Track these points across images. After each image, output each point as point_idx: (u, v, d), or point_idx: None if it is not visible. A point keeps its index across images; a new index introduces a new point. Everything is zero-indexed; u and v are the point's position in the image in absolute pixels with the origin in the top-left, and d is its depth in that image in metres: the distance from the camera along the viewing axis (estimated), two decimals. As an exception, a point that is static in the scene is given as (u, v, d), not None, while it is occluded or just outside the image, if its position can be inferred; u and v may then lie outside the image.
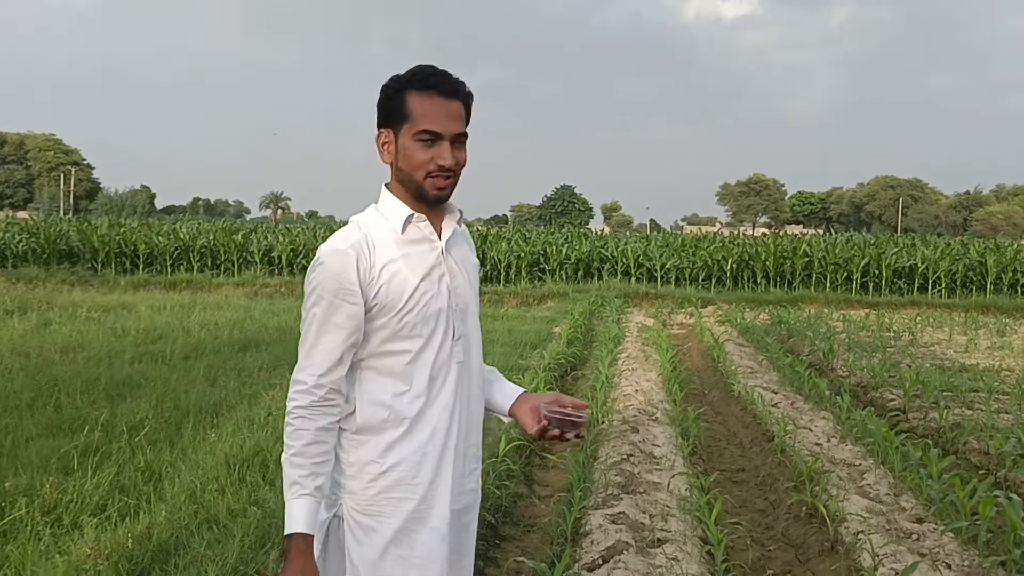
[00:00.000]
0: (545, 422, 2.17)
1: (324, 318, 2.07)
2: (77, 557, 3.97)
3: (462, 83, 2.12)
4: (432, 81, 2.06)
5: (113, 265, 26.57)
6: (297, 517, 2.01)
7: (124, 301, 17.19)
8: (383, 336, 2.10)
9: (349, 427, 2.13)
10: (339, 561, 2.11)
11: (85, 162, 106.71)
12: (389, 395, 2.10)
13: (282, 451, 2.10)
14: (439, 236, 2.16)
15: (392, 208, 2.13)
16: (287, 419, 2.08)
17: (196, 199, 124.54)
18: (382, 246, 2.09)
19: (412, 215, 2.12)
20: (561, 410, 2.17)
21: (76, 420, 6.65)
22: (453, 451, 2.14)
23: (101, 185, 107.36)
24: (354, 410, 2.13)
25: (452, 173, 2.09)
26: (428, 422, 2.11)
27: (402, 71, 2.13)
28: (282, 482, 2.09)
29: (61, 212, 77.03)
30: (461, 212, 2.23)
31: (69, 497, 4.87)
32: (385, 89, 2.11)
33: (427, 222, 2.13)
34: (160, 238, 27.53)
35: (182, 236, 27.74)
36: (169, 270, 26.47)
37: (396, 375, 2.11)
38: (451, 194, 2.13)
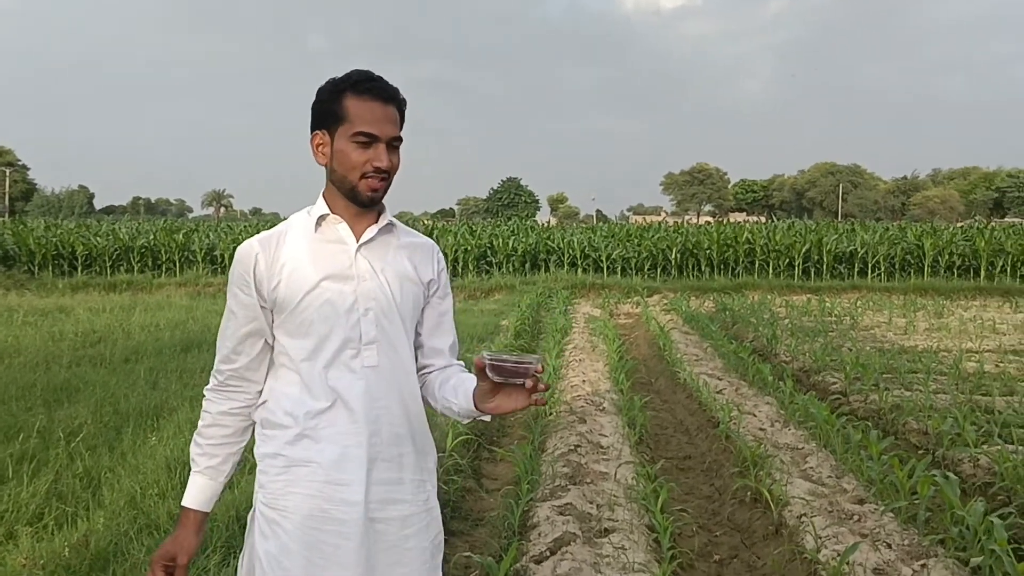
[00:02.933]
0: (480, 363, 2.02)
1: (228, 307, 2.17)
2: (11, 568, 3.88)
3: (397, 90, 2.15)
4: (369, 85, 2.09)
5: (50, 268, 26.00)
6: (187, 492, 2.15)
7: (62, 304, 16.81)
8: (283, 332, 2.13)
9: (259, 421, 2.18)
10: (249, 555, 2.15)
11: (20, 163, 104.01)
12: (289, 393, 2.13)
13: None
14: (357, 239, 2.15)
15: (316, 208, 2.16)
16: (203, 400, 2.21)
17: (136, 198, 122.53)
18: (292, 243, 2.13)
19: (327, 215, 2.14)
20: (502, 355, 2.02)
21: (11, 427, 6.48)
22: (366, 456, 2.09)
23: (37, 186, 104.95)
24: (263, 404, 2.18)
25: (387, 175, 2.11)
26: (331, 423, 2.09)
27: (341, 69, 2.15)
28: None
29: (-5, 214, 75.13)
30: (392, 222, 2.23)
31: (4, 506, 4.75)
32: (321, 91, 2.12)
33: (344, 224, 2.14)
34: (99, 239, 27.00)
35: (121, 236, 27.24)
36: (108, 271, 25.97)
37: (296, 373, 2.12)
38: (383, 196, 2.14)
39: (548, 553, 4.32)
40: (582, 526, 4.68)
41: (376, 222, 2.18)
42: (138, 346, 10.77)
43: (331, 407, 2.09)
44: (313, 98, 2.16)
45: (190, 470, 2.19)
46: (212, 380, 2.20)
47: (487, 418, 2.21)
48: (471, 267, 26.17)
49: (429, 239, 2.35)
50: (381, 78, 2.13)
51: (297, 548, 2.05)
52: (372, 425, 2.10)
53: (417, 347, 2.31)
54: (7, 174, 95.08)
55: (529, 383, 2.01)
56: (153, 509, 4.74)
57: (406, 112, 2.19)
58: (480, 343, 11.83)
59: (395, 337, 2.16)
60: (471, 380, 2.20)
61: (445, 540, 4.83)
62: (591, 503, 5.09)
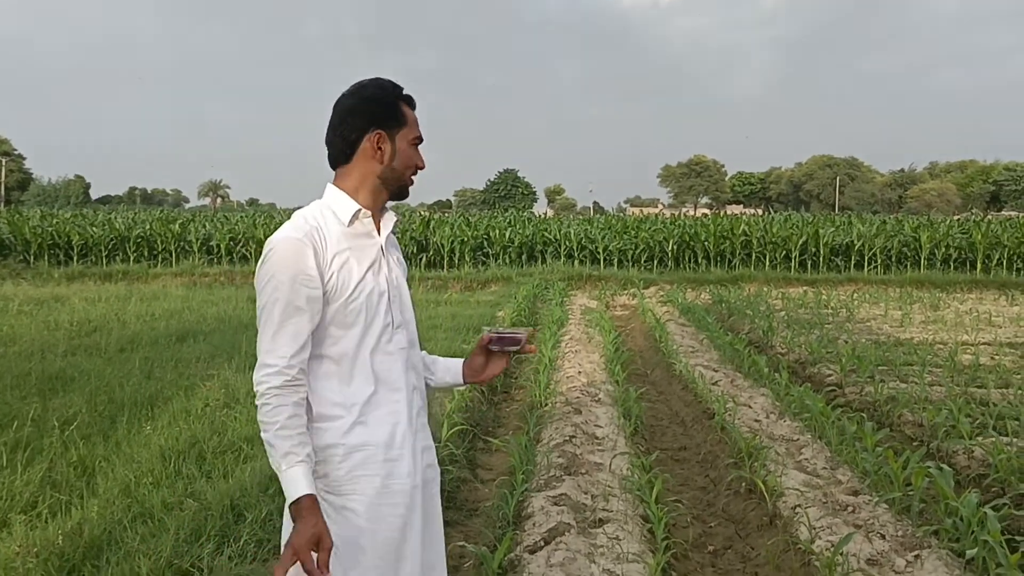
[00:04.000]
0: (487, 338, 2.45)
1: (287, 302, 2.17)
2: (5, 556, 3.87)
3: None
4: (407, 97, 2.37)
5: (46, 257, 25.96)
6: (299, 481, 2.12)
7: (58, 294, 16.80)
8: (332, 323, 2.24)
9: (308, 416, 2.23)
10: None
11: (16, 152, 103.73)
12: (331, 385, 2.24)
13: (260, 432, 2.18)
14: (379, 233, 2.35)
15: (341, 203, 2.29)
16: (260, 401, 2.16)
17: (133, 189, 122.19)
18: (332, 237, 2.25)
19: (360, 210, 2.29)
20: (500, 330, 2.46)
21: (6, 416, 6.47)
22: (407, 429, 2.30)
23: (33, 176, 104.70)
24: (308, 399, 2.24)
25: None
26: (381, 405, 2.27)
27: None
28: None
29: (-9, 204, 74.98)
30: (398, 218, 2.43)
31: (-2, 495, 4.75)
32: (377, 95, 2.31)
33: (370, 218, 2.32)
34: (95, 229, 26.96)
35: (117, 226, 27.20)
36: (104, 261, 25.90)
37: (335, 364, 2.25)
38: None
39: (542, 543, 4.33)
40: (577, 516, 4.68)
41: (385, 216, 2.39)
42: (133, 336, 10.76)
43: (376, 391, 2.26)
44: (370, 99, 2.31)
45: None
46: (277, 378, 2.16)
47: (465, 385, 2.57)
48: (468, 258, 26.13)
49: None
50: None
51: (368, 526, 2.21)
52: (411, 400, 2.33)
53: None
54: (3, 163, 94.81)
55: (531, 347, 2.47)
56: (147, 498, 4.73)
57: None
58: (476, 334, 11.83)
59: (409, 319, 2.40)
60: (439, 358, 2.59)
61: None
62: (586, 494, 5.09)
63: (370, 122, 2.30)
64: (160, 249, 26.53)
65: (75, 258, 26.02)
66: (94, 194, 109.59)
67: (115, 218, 29.51)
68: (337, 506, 2.21)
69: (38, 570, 3.76)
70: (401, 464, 2.26)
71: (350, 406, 2.23)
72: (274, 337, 2.18)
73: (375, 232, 2.33)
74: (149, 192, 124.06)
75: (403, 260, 2.51)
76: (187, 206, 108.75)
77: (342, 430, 2.23)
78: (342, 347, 2.24)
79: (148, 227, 27.21)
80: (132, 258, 26.14)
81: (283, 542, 2.19)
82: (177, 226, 27.27)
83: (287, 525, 2.16)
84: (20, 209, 42.74)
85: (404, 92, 2.37)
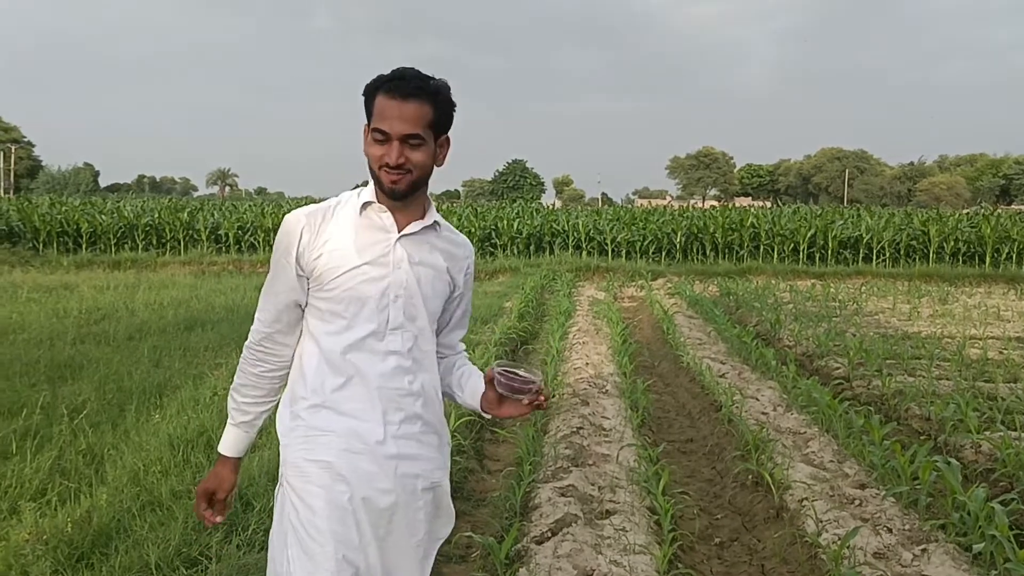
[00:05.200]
0: (491, 375, 2.30)
1: (270, 274, 2.29)
2: (15, 543, 3.89)
3: (424, 87, 2.18)
4: (391, 85, 2.16)
5: (55, 245, 26.03)
6: (222, 441, 2.36)
7: (66, 281, 16.85)
8: (315, 305, 2.25)
9: (285, 394, 2.32)
10: (282, 527, 2.24)
11: (25, 140, 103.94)
12: (312, 365, 2.25)
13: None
14: (400, 230, 2.25)
15: (366, 193, 2.26)
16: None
17: (141, 177, 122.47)
18: (338, 220, 2.23)
19: (372, 203, 2.24)
20: (512, 371, 2.28)
21: (15, 403, 6.50)
22: (381, 430, 2.22)
23: (43, 163, 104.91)
24: (291, 377, 2.32)
25: (405, 170, 2.17)
26: (350, 398, 2.22)
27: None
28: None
29: (1, 191, 75.18)
30: (438, 222, 2.33)
31: (7, 482, 4.77)
32: (366, 88, 2.23)
33: (388, 214, 2.24)
34: (103, 216, 26.99)
35: (126, 214, 27.24)
36: (113, 249, 25.95)
37: (318, 347, 2.25)
38: (409, 190, 2.21)
39: (549, 534, 4.33)
40: (583, 508, 4.69)
41: (422, 218, 2.29)
42: (142, 324, 10.79)
43: (349, 382, 2.21)
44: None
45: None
46: (251, 338, 2.32)
47: (488, 416, 2.41)
48: (476, 249, 26.06)
49: (467, 241, 2.48)
50: (411, 76, 2.19)
51: (325, 510, 2.16)
52: (386, 403, 2.23)
53: None
54: (13, 151, 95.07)
55: (526, 400, 2.27)
56: (156, 486, 4.75)
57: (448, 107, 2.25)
58: (484, 324, 11.83)
59: (419, 327, 2.29)
60: (476, 375, 2.46)
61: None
62: (593, 485, 5.10)
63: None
64: (168, 238, 26.58)
65: (84, 246, 26.08)
66: (103, 182, 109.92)
67: (124, 206, 29.55)
68: (296, 488, 2.19)
69: (47, 557, 3.78)
70: (361, 460, 2.19)
71: (319, 389, 2.23)
72: (260, 302, 2.32)
73: (391, 227, 2.25)
74: (158, 180, 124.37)
75: (439, 262, 2.33)
76: (195, 194, 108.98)
77: (307, 410, 2.23)
78: (324, 331, 2.24)
79: (157, 215, 27.24)
80: (140, 246, 26.19)
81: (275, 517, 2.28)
82: (185, 214, 27.31)
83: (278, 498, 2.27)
84: (29, 196, 42.88)
85: (389, 78, 2.20)
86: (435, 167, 2.28)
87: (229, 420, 2.36)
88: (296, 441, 2.22)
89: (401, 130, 2.15)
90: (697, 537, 4.80)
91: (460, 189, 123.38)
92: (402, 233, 2.25)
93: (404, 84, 2.16)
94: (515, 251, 26.29)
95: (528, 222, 27.27)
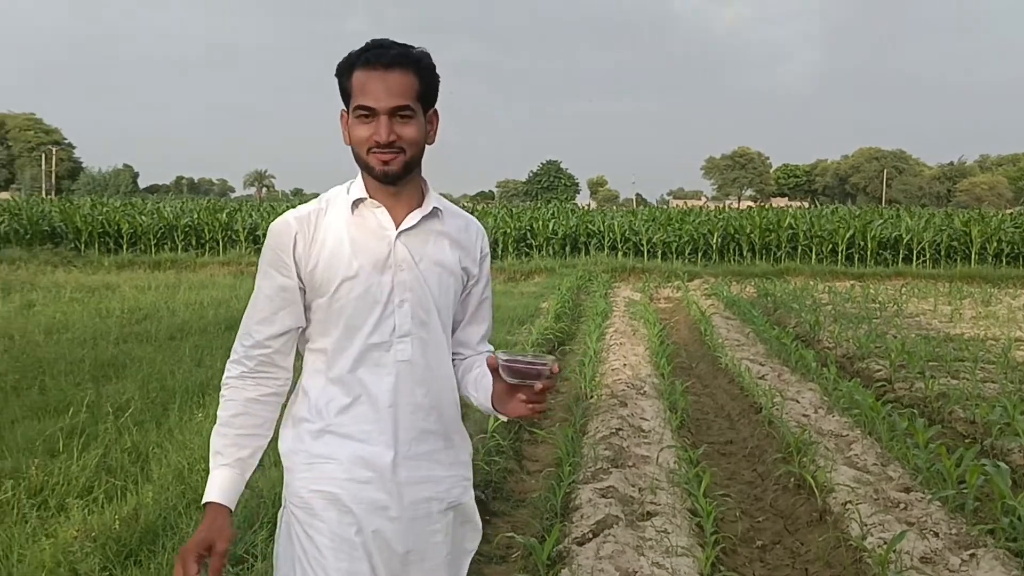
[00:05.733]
0: (492, 362, 1.92)
1: (259, 287, 2.06)
2: (64, 539, 3.95)
3: (407, 54, 1.96)
4: (370, 55, 1.94)
5: (96, 245, 26.39)
6: (212, 485, 2.00)
7: (108, 281, 17.08)
8: (317, 319, 2.04)
9: (287, 414, 2.11)
10: (290, 551, 2.06)
11: (66, 141, 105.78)
12: (315, 385, 2.06)
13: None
14: (397, 225, 2.03)
15: (355, 188, 2.05)
16: (221, 390, 2.06)
17: (180, 178, 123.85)
18: (330, 223, 2.02)
19: (364, 199, 2.03)
20: (516, 356, 1.91)
21: (61, 402, 6.61)
22: (391, 452, 2.02)
23: (83, 165, 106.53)
24: (293, 396, 2.12)
25: (396, 149, 1.95)
26: (356, 419, 2.02)
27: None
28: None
29: (43, 192, 76.43)
30: (437, 208, 2.09)
31: (55, 479, 4.84)
32: (339, 68, 2.00)
33: (383, 210, 2.03)
34: (144, 217, 27.33)
35: (166, 215, 27.55)
36: (153, 250, 26.27)
37: (323, 364, 2.05)
38: (403, 172, 1.98)
39: (590, 535, 4.33)
40: (624, 509, 4.67)
41: (419, 206, 2.06)
42: (183, 324, 10.92)
43: (355, 402, 2.02)
44: None
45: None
46: (238, 367, 2.06)
47: (504, 418, 2.08)
48: (511, 249, 26.16)
49: (474, 220, 2.21)
50: (388, 44, 1.96)
51: (331, 548, 1.97)
52: (399, 422, 2.02)
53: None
54: (54, 153, 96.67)
55: (539, 385, 1.89)
56: (200, 484, 4.78)
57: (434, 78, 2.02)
58: (520, 325, 11.85)
59: (431, 330, 2.06)
60: (485, 380, 2.09)
61: (486, 521, 4.86)
62: (633, 486, 5.08)
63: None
64: (207, 238, 26.85)
65: (125, 246, 26.41)
66: (142, 183, 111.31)
67: (163, 207, 29.90)
68: (300, 518, 2.01)
69: (96, 554, 3.83)
70: (370, 489, 2.00)
71: (323, 411, 2.02)
72: (244, 323, 2.07)
73: (389, 224, 2.02)
74: (196, 181, 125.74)
75: (447, 257, 2.10)
76: (233, 195, 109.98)
77: (309, 434, 2.04)
78: (327, 346, 2.04)
79: (196, 216, 27.53)
80: (180, 247, 26.47)
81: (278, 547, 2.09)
82: (224, 215, 27.58)
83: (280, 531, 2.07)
84: (71, 198, 43.53)
85: (365, 49, 1.97)
86: (427, 145, 2.05)
87: (217, 461, 2.01)
88: (299, 467, 2.03)
89: (389, 102, 1.92)
90: (739, 540, 4.77)
91: (494, 190, 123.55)
92: (400, 229, 2.03)
93: (384, 52, 1.94)
94: (550, 252, 26.27)
95: (563, 223, 27.25)
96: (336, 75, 2.00)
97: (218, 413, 2.05)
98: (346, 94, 1.99)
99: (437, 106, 2.07)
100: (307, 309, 2.05)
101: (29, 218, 26.80)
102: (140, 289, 15.39)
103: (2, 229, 26.53)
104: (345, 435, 2.01)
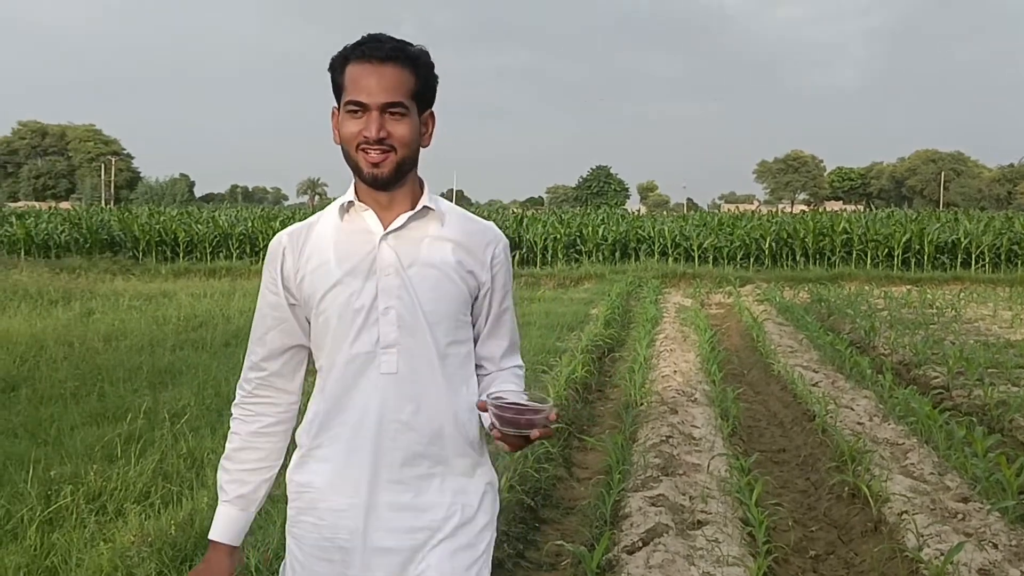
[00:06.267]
0: (482, 405, 1.82)
1: (258, 308, 1.98)
2: (121, 544, 4.02)
3: (403, 49, 1.84)
4: (365, 48, 1.83)
5: (154, 254, 26.92)
6: (214, 524, 1.96)
7: (165, 289, 17.41)
8: (312, 335, 1.95)
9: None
10: None
11: (125, 152, 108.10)
12: (312, 406, 1.95)
13: None
14: (385, 227, 1.89)
15: (346, 194, 1.93)
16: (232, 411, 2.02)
17: (234, 186, 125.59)
18: (319, 234, 1.92)
19: (351, 202, 1.91)
20: (507, 401, 1.77)
21: (119, 408, 6.75)
22: (366, 476, 1.87)
23: (141, 174, 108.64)
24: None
25: (387, 147, 1.83)
26: (335, 440, 1.89)
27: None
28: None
29: (103, 202, 78.14)
30: (430, 207, 1.93)
31: (113, 484, 4.94)
32: (331, 61, 1.89)
33: (371, 212, 1.89)
34: (199, 226, 27.83)
35: (221, 223, 28.02)
36: (209, 257, 26.75)
37: (320, 383, 1.94)
38: (393, 175, 1.85)
39: (640, 544, 4.30)
40: (675, 517, 4.64)
41: (413, 208, 1.91)
42: (238, 331, 11.06)
43: (337, 421, 1.89)
44: None
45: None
46: (240, 390, 1.99)
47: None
48: (560, 255, 26.15)
49: (491, 226, 2.03)
50: (385, 39, 1.85)
51: None
52: (382, 442, 1.86)
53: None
54: (113, 163, 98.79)
55: (535, 433, 1.75)
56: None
57: (432, 73, 1.91)
58: (570, 331, 11.84)
59: (420, 341, 1.88)
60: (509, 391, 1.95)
61: (535, 528, 4.87)
62: (684, 495, 5.04)
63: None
64: (262, 246, 27.13)
65: (181, 254, 26.92)
66: (198, 192, 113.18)
67: (219, 215, 30.43)
68: (289, 549, 1.96)
69: (152, 559, 3.90)
70: (345, 517, 1.87)
71: (309, 433, 1.92)
72: (248, 345, 2.00)
73: (375, 227, 1.89)
74: (250, 190, 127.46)
75: (445, 256, 1.92)
76: (286, 203, 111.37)
77: (297, 458, 1.94)
78: (323, 364, 1.93)
79: (250, 224, 27.95)
80: (235, 254, 26.90)
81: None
82: (278, 223, 27.90)
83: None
84: (129, 207, 44.47)
85: (358, 42, 1.85)
86: (422, 148, 1.92)
87: (220, 497, 1.96)
88: (290, 497, 1.95)
89: (380, 98, 1.80)
90: (792, 550, 4.71)
91: (544, 196, 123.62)
92: (387, 230, 1.88)
93: (380, 46, 1.82)
94: (600, 258, 26.21)
95: (613, 228, 27.19)
96: (329, 69, 1.89)
97: (226, 446, 1.99)
98: (338, 89, 1.87)
99: (432, 110, 1.96)
100: (310, 330, 1.96)
101: (89, 227, 27.47)
102: (196, 296, 15.64)
103: (63, 238, 27.25)
104: (323, 459, 1.90)
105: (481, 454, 2.00)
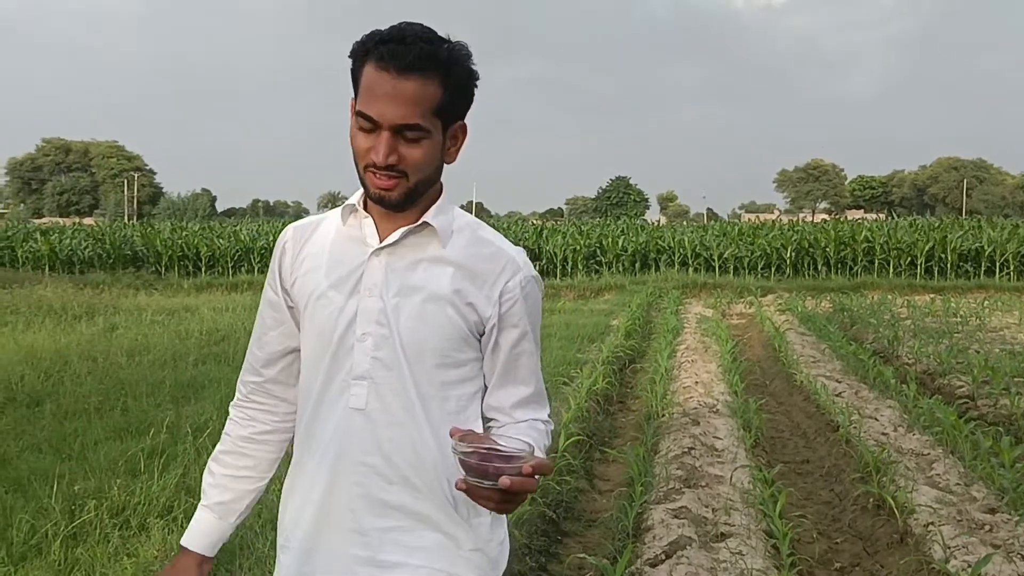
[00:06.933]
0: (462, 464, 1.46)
1: (260, 306, 1.83)
2: (144, 559, 4.04)
3: (432, 56, 1.54)
4: (385, 50, 1.52)
5: (176, 268, 27.12)
6: (188, 529, 1.79)
7: (187, 304, 17.52)
8: (301, 344, 1.77)
9: None
10: None
11: (147, 168, 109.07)
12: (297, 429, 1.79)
13: None
14: (380, 240, 1.66)
15: (355, 195, 1.71)
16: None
17: (256, 201, 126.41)
18: (321, 234, 1.73)
19: (355, 207, 1.68)
20: (469, 446, 1.44)
21: (142, 423, 6.78)
22: (321, 518, 1.67)
23: (163, 190, 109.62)
24: None
25: (397, 173, 1.57)
26: (303, 472, 1.71)
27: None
28: None
29: (125, 217, 78.83)
30: (430, 223, 1.66)
31: (136, 499, 4.96)
32: (353, 48, 1.61)
33: (370, 220, 1.67)
34: (221, 240, 28.01)
35: (243, 238, 28.20)
36: (230, 272, 26.92)
37: (301, 402, 1.76)
38: (403, 201, 1.61)
39: (663, 556, 4.28)
40: (698, 530, 4.61)
41: (419, 224, 1.66)
42: (259, 345, 11.09)
43: (305, 452, 1.71)
44: None
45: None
46: (238, 391, 1.84)
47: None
48: (580, 267, 26.14)
49: (509, 251, 1.72)
50: (412, 37, 1.54)
51: None
52: (340, 483, 1.65)
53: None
54: (136, 179, 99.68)
55: (505, 482, 1.39)
56: (276, 504, 4.87)
57: (470, 86, 1.63)
58: (591, 343, 11.82)
59: (397, 376, 1.63)
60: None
61: (558, 540, 4.84)
62: (706, 507, 5.01)
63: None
64: (282, 260, 27.31)
65: (203, 269, 27.11)
66: (219, 206, 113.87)
67: (240, 230, 30.60)
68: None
69: (175, 572, 3.91)
70: (288, 558, 1.71)
71: (296, 455, 1.75)
72: (249, 346, 1.86)
73: (371, 238, 1.66)
74: (271, 204, 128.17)
75: (467, 290, 1.66)
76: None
77: (287, 479, 1.78)
78: (303, 381, 1.74)
79: (271, 239, 28.06)
80: (257, 269, 27.04)
81: None
82: (298, 237, 28.04)
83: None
84: (152, 222, 44.89)
85: (381, 38, 1.55)
86: (446, 164, 1.67)
87: (201, 501, 1.80)
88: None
89: (394, 118, 1.53)
90: (817, 562, 4.67)
91: (563, 207, 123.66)
92: (382, 244, 1.65)
93: (402, 52, 1.52)
94: (620, 268, 26.18)
95: (633, 239, 27.17)
96: (350, 55, 1.62)
97: (217, 444, 1.85)
98: (355, 86, 1.61)
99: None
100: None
101: (112, 243, 27.72)
102: (218, 311, 15.72)
103: (87, 254, 27.49)
104: (291, 490, 1.74)
105: (475, 514, 1.69)
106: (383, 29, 1.57)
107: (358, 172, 1.62)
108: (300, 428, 1.73)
